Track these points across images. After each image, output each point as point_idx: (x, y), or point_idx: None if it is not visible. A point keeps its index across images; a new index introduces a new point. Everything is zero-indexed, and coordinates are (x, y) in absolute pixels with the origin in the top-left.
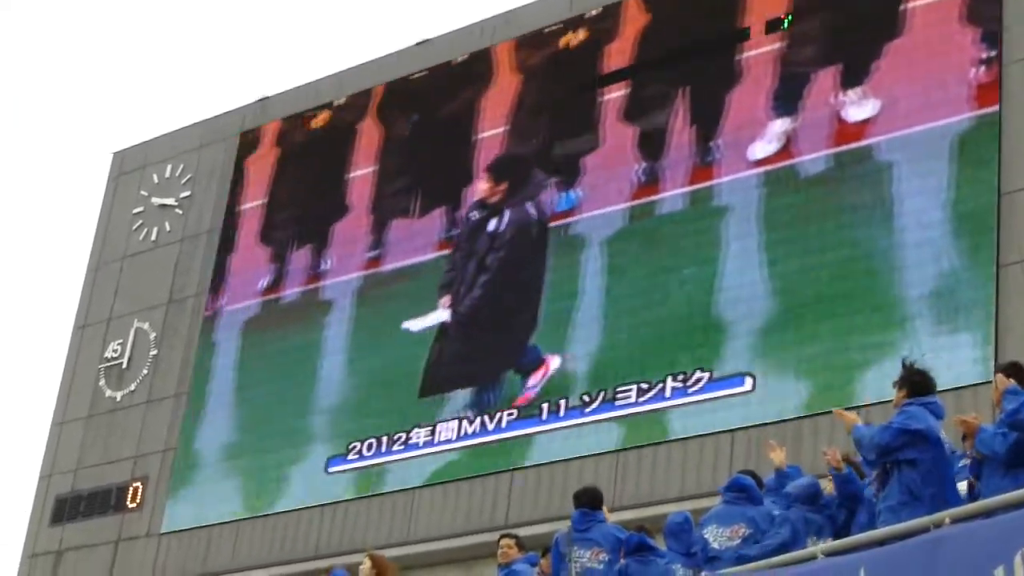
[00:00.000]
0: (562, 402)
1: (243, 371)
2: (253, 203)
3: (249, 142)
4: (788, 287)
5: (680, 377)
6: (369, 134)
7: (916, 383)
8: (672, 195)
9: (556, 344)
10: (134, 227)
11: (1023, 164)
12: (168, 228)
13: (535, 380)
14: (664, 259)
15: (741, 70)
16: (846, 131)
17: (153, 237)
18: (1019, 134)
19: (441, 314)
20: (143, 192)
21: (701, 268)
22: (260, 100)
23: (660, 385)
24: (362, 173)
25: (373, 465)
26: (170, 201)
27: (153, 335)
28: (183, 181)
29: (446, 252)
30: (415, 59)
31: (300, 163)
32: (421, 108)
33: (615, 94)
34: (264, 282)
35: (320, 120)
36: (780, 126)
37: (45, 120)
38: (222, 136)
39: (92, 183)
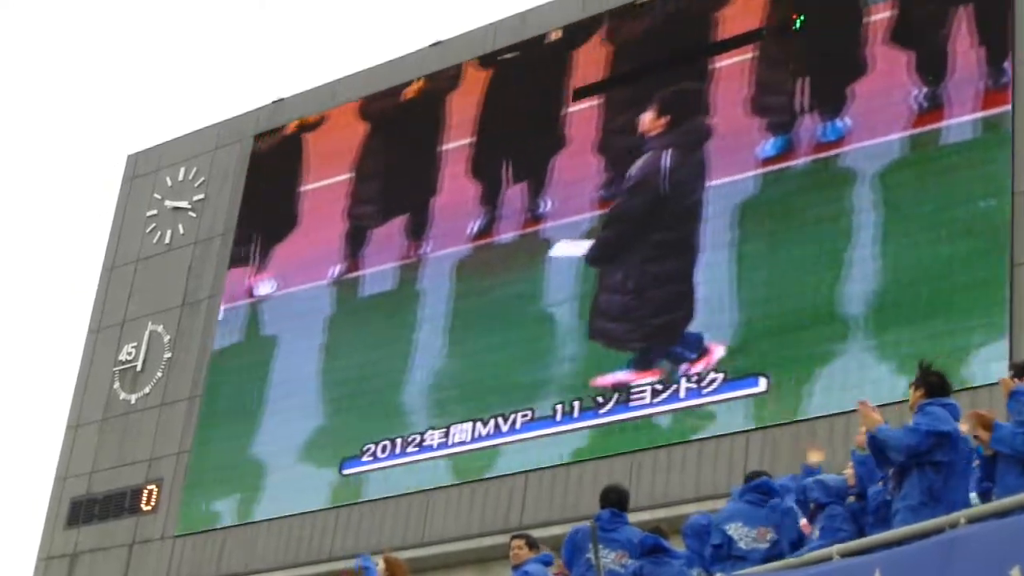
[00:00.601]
0: (576, 403)
1: (457, 318)
2: (458, 142)
3: (450, 77)
4: None
5: (695, 378)
6: (596, 61)
7: (933, 384)
8: (959, 122)
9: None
10: (148, 230)
11: None
12: (182, 231)
13: (698, 368)
14: (951, 192)
15: None
16: None
17: (167, 240)
18: None
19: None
20: (157, 195)
21: (998, 200)
22: (275, 102)
23: (675, 386)
24: (585, 106)
25: (389, 466)
26: (184, 204)
27: (167, 338)
28: (197, 184)
29: None
30: None
31: (511, 95)
32: (651, 35)
33: (882, 15)
34: (475, 225)
35: (535, 51)
36: None
37: (59, 122)
38: (236, 139)
39: (106, 185)
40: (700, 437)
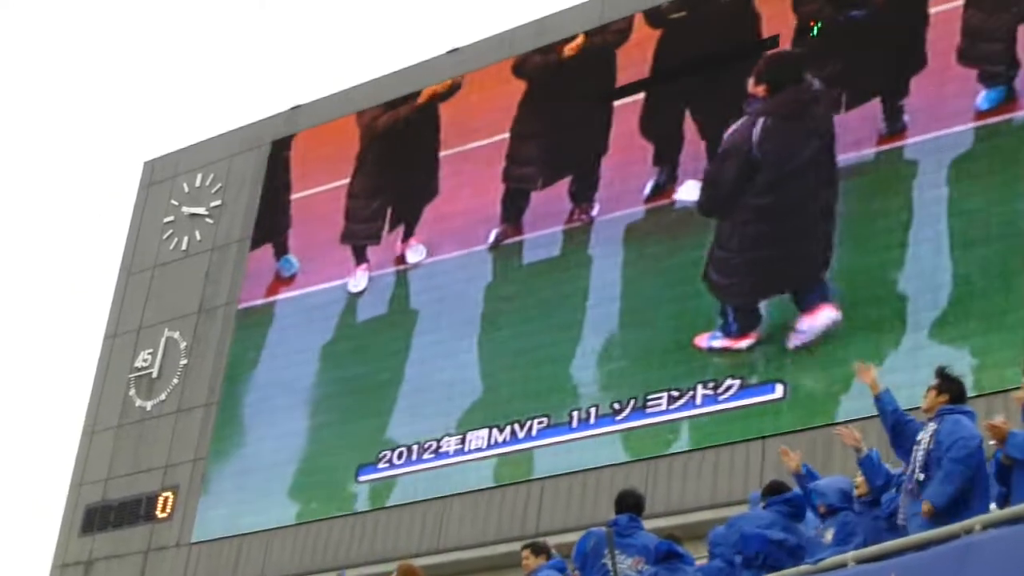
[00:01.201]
0: (592, 410)
1: (629, 284)
2: (632, 97)
3: (617, 31)
4: None
5: (711, 385)
6: (782, 12)
7: (955, 390)
8: None
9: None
10: (165, 236)
11: None
12: (199, 237)
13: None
14: None
15: None
16: None
17: (184, 246)
18: None
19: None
20: (174, 201)
21: None
22: (292, 109)
23: (691, 393)
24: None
25: (403, 474)
26: (200, 210)
27: (183, 344)
28: (214, 190)
29: (886, 147)
30: None
31: (686, 48)
32: None
33: None
34: (649, 186)
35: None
36: None
37: (77, 129)
38: (253, 145)
39: (123, 192)
40: (716, 444)
